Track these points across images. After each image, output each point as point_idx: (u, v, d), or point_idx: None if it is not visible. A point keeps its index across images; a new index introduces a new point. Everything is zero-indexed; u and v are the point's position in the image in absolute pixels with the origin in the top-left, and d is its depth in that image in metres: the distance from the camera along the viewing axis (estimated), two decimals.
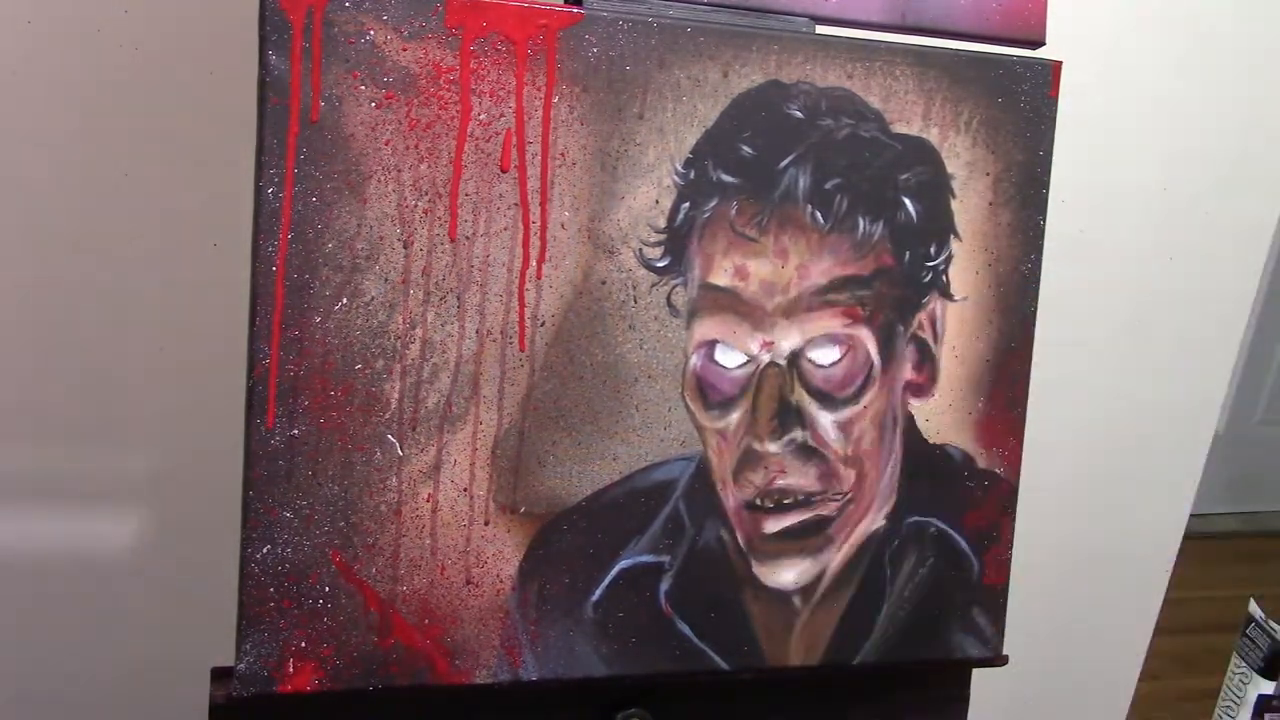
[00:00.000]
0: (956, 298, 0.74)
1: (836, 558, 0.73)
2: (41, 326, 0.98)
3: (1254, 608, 1.03)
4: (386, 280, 0.63)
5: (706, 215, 0.68)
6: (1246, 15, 1.24)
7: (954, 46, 0.74)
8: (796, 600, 0.73)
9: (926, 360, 0.74)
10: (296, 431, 0.63)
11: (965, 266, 0.74)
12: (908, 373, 0.74)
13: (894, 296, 0.72)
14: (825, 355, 0.71)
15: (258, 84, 0.61)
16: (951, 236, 0.74)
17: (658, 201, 0.68)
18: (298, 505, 0.63)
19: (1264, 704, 1.05)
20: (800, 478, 0.72)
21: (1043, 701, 1.43)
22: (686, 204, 0.68)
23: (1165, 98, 1.24)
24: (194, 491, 1.02)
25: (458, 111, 0.64)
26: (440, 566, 0.66)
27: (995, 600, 0.78)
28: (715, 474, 0.71)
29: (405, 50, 0.62)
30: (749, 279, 0.69)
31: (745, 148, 0.69)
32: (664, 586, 0.70)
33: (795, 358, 0.71)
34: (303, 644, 0.64)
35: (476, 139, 0.64)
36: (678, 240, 0.68)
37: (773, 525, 0.72)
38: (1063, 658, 1.43)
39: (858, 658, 0.75)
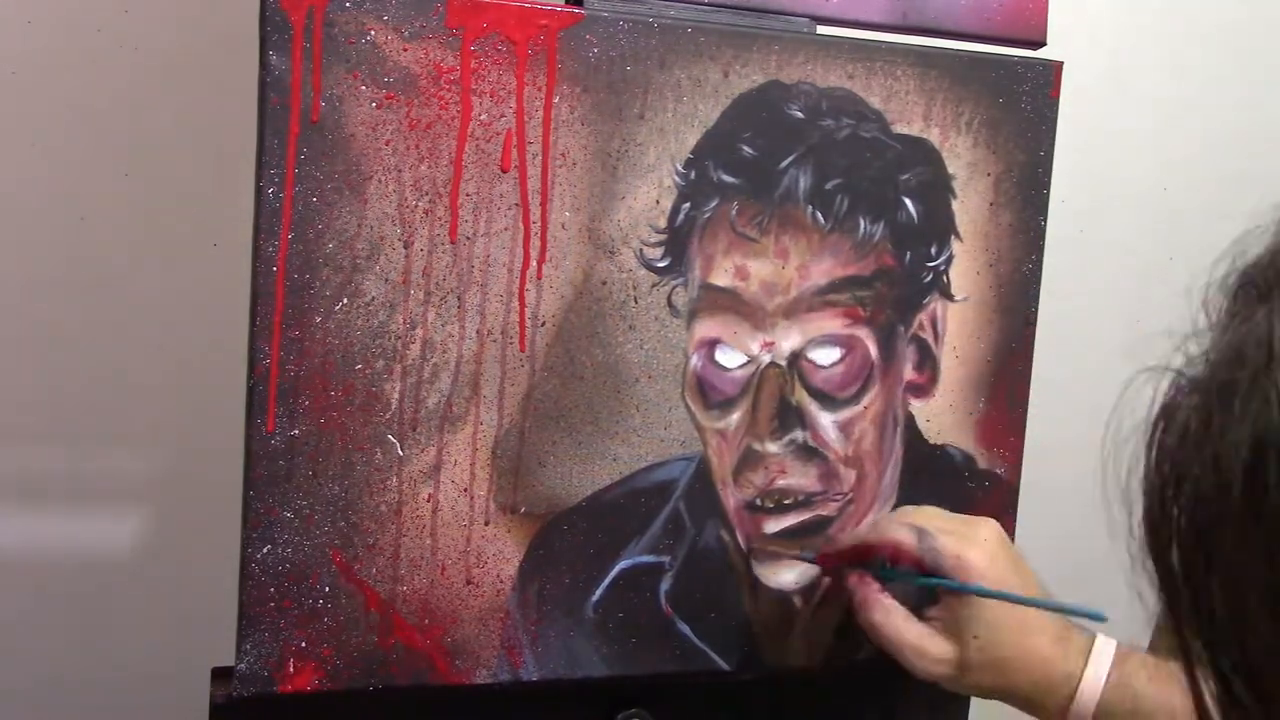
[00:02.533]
0: (957, 298, 0.74)
1: None
2: (41, 326, 0.98)
3: None
4: (387, 280, 0.63)
5: (707, 215, 0.68)
6: (1246, 16, 1.24)
7: (955, 47, 0.74)
8: (797, 600, 0.73)
9: (927, 360, 0.74)
10: (297, 431, 0.63)
11: (966, 267, 0.74)
12: (908, 373, 0.74)
13: (894, 297, 0.72)
14: (826, 356, 0.71)
15: (258, 84, 0.61)
16: (952, 237, 0.74)
17: (658, 202, 0.68)
18: (298, 505, 0.63)
19: None
20: (801, 478, 0.72)
21: None
22: (687, 204, 0.68)
23: (1165, 98, 1.24)
24: (194, 491, 1.02)
25: (458, 112, 0.64)
26: (440, 566, 0.66)
27: None
28: (715, 474, 0.70)
29: (406, 50, 0.62)
30: (749, 279, 0.69)
31: (746, 148, 0.68)
32: (664, 587, 0.70)
33: (795, 358, 0.70)
34: (303, 644, 0.64)
35: (477, 139, 0.64)
36: (678, 240, 0.68)
37: (773, 525, 0.72)
38: None
39: (858, 658, 0.74)
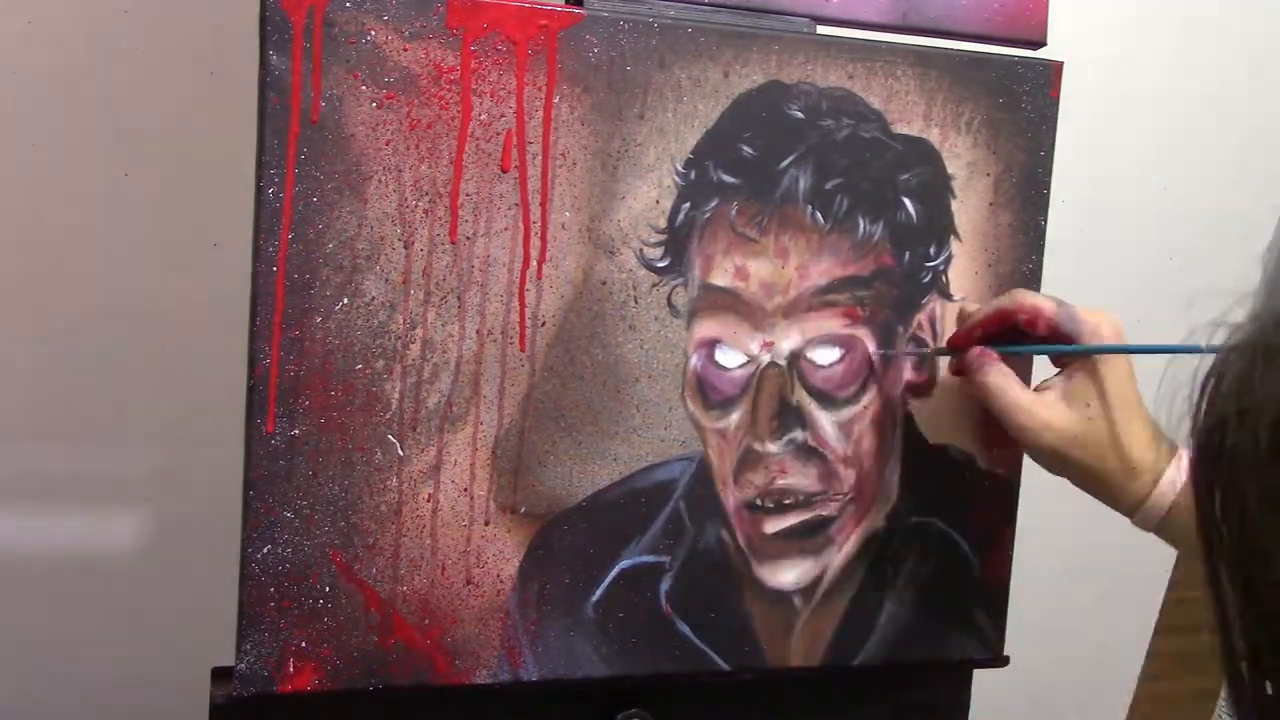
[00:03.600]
0: (956, 298, 0.74)
1: (837, 558, 0.73)
2: (41, 326, 0.98)
3: None
4: (387, 280, 0.63)
5: (707, 215, 0.68)
6: (1247, 15, 1.24)
7: (955, 47, 0.74)
8: (797, 600, 0.73)
9: (926, 360, 0.74)
10: (297, 431, 0.63)
11: (965, 267, 0.74)
12: (908, 373, 0.74)
13: (894, 297, 0.72)
14: (825, 355, 0.71)
15: (258, 84, 0.61)
16: (952, 237, 0.74)
17: (658, 202, 0.68)
18: (298, 505, 0.63)
19: None
20: (801, 478, 0.72)
21: (1043, 701, 1.43)
22: (687, 204, 0.68)
23: (1165, 97, 1.24)
24: (194, 491, 1.02)
25: (458, 112, 0.64)
26: (440, 566, 0.66)
27: (996, 600, 0.78)
28: (715, 474, 0.70)
29: (406, 50, 0.62)
30: (749, 279, 0.69)
31: (746, 148, 0.69)
32: (664, 587, 0.70)
33: (795, 358, 0.71)
34: (303, 644, 0.64)
35: (477, 139, 0.64)
36: (678, 240, 0.68)
37: (773, 525, 0.72)
38: (1063, 658, 1.43)
39: (858, 658, 0.74)
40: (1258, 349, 0.36)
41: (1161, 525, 0.66)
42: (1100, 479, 0.67)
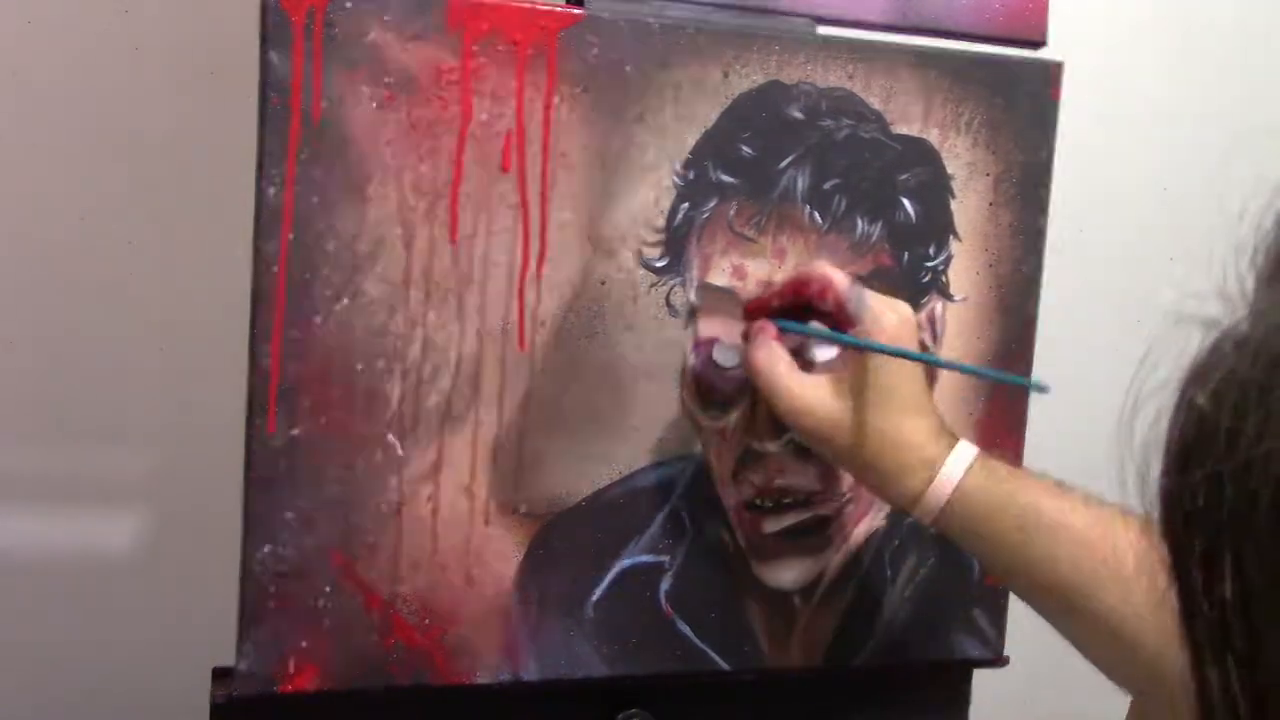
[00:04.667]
0: (956, 298, 0.74)
1: (837, 558, 0.73)
2: (41, 326, 0.98)
3: None
4: (387, 280, 0.63)
5: (705, 215, 0.68)
6: (1246, 15, 1.24)
7: (955, 47, 0.74)
8: (797, 600, 0.73)
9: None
10: (297, 432, 0.63)
11: (966, 267, 0.74)
12: None
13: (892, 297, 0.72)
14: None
15: (259, 84, 0.61)
16: (951, 237, 0.74)
17: (657, 202, 0.68)
18: (298, 505, 0.63)
19: None
20: (800, 477, 0.72)
21: (1043, 701, 1.43)
22: (686, 204, 0.68)
23: (1165, 98, 1.24)
24: (194, 491, 1.02)
25: (458, 112, 0.64)
26: (441, 566, 0.66)
27: (996, 600, 0.78)
28: (715, 474, 0.70)
29: (406, 50, 0.62)
30: (747, 279, 0.69)
31: (745, 148, 0.69)
32: (664, 586, 0.70)
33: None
34: (303, 644, 0.64)
35: (477, 139, 0.64)
36: (677, 240, 0.68)
37: (773, 525, 0.72)
38: (1063, 658, 1.42)
39: (858, 658, 0.74)
40: (1259, 359, 0.26)
41: (937, 521, 0.63)
42: (867, 471, 0.64)
